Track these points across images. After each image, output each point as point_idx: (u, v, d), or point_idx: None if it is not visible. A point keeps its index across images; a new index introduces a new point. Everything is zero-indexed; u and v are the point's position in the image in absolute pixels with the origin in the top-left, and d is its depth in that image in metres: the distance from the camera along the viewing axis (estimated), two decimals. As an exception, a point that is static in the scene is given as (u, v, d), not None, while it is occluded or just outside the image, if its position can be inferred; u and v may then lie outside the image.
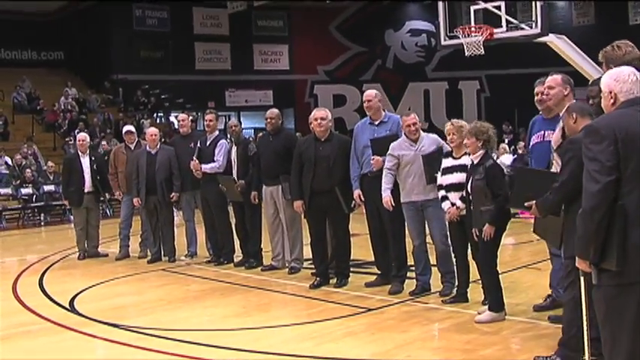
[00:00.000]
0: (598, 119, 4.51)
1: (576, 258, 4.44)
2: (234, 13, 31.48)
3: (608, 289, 4.29)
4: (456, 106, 33.00)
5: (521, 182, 6.65)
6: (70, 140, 24.91)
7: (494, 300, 7.65)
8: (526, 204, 6.19)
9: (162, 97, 30.93)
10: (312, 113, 9.83)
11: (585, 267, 4.35)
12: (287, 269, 10.80)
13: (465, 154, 8.05)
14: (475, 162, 7.73)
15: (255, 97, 33.20)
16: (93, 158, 13.32)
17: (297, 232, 10.74)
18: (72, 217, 15.01)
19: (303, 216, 10.17)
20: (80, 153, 13.29)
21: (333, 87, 33.89)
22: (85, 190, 13.09)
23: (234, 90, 33.21)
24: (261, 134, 12.01)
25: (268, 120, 10.97)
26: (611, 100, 4.48)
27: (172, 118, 29.07)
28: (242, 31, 33.17)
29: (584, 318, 5.62)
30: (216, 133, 12.03)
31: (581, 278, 5.60)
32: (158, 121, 30.37)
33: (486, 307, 7.72)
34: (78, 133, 24.87)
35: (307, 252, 10.47)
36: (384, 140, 9.22)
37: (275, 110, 11.16)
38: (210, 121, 11.98)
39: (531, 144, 7.77)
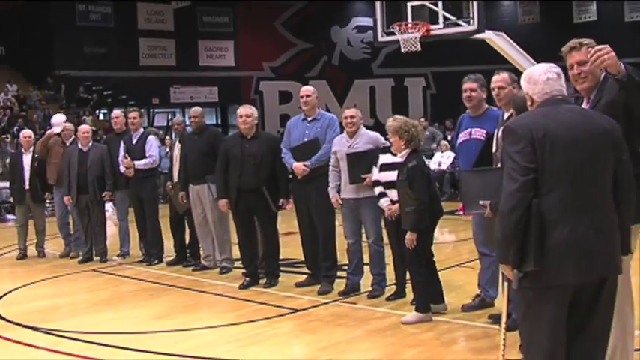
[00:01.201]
0: (516, 119, 4.45)
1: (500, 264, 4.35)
2: (179, 9, 31.26)
3: (527, 292, 4.21)
4: (401, 102, 32.97)
5: (468, 185, 6.59)
6: (7, 138, 24.47)
7: (421, 301, 7.58)
8: (481, 202, 6.12)
9: (105, 93, 30.52)
10: (238, 110, 9.67)
11: (508, 272, 4.25)
12: (218, 269, 10.61)
13: None
14: (402, 161, 7.65)
15: (200, 94, 32.88)
16: (36, 156, 13.01)
17: (224, 231, 10.61)
18: (8, 217, 14.69)
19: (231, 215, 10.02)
20: (23, 150, 13.07)
21: (278, 83, 33.73)
22: (25, 187, 12.82)
23: (179, 86, 32.90)
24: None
25: (192, 119, 10.85)
26: (529, 102, 4.46)
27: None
28: (187, 27, 32.88)
29: (503, 320, 5.56)
30: (141, 130, 11.86)
31: (505, 283, 5.56)
32: (101, 117, 30.02)
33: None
34: (18, 130, 24.47)
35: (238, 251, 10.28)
36: (304, 147, 9.20)
37: (198, 108, 11.00)
38: (135, 118, 11.78)
39: (458, 142, 7.71)
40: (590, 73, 4.88)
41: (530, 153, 4.12)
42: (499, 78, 6.96)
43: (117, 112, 12.89)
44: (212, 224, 10.58)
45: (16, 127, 25.30)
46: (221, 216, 10.37)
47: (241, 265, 10.16)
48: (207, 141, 10.57)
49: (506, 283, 5.58)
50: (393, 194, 7.99)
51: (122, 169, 11.60)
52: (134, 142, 11.65)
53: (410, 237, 7.41)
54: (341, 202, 8.78)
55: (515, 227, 4.10)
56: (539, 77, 4.40)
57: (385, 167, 8.14)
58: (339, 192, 8.80)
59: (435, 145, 22.72)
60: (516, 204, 4.10)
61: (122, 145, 11.65)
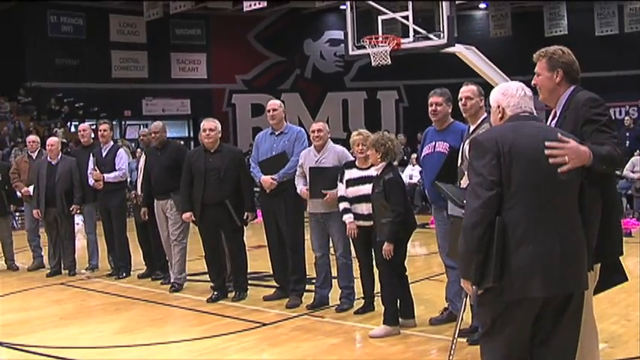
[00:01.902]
0: (483, 132, 4.45)
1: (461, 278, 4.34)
2: (152, 21, 31.05)
3: (490, 307, 4.21)
4: (374, 116, 32.98)
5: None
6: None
7: (389, 313, 7.59)
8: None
9: (77, 105, 30.31)
10: (202, 124, 9.64)
11: (468, 287, 4.24)
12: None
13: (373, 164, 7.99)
14: (377, 174, 7.71)
15: (172, 106, 32.73)
16: None
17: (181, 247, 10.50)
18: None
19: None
20: None
21: (251, 96, 33.46)
22: None
23: (151, 99, 32.66)
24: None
25: (153, 135, 10.71)
26: (499, 115, 4.47)
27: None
28: (159, 39, 32.68)
29: (457, 329, 5.59)
30: (111, 143, 11.80)
31: (465, 299, 5.60)
32: (73, 130, 29.78)
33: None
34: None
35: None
36: (271, 160, 9.21)
37: (159, 123, 10.85)
38: (105, 131, 11.72)
39: (422, 155, 7.77)
40: (541, 86, 4.88)
41: (496, 166, 4.13)
42: (467, 89, 6.98)
43: (84, 126, 12.84)
44: (172, 237, 10.43)
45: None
46: (180, 231, 10.33)
47: (209, 279, 10.10)
48: (169, 156, 10.45)
49: (465, 299, 5.64)
50: (362, 208, 8.05)
51: (91, 181, 11.54)
52: (104, 154, 11.59)
53: (387, 248, 7.45)
54: (307, 190, 8.81)
55: (478, 243, 4.10)
56: (516, 92, 4.45)
57: (352, 182, 8.18)
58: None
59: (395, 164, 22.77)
60: (479, 220, 4.10)
61: (91, 157, 11.59)
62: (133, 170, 12.00)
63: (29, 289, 11.05)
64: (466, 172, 6.49)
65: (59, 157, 12.15)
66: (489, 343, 4.30)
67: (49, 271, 12.18)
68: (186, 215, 9.63)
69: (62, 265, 12.16)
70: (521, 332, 4.21)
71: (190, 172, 9.52)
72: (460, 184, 6.67)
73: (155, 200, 10.59)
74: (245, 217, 9.49)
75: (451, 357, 5.66)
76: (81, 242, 13.32)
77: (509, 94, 4.46)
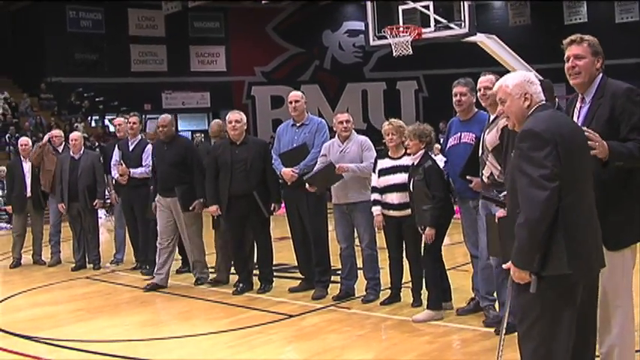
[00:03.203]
0: (535, 123, 4.35)
1: (512, 268, 4.28)
2: (170, 14, 31.13)
3: (546, 293, 4.21)
4: (394, 106, 32.92)
5: None
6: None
7: (434, 298, 7.74)
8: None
9: (97, 100, 30.45)
10: (227, 116, 9.57)
11: (525, 277, 4.22)
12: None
13: (406, 154, 8.06)
14: (415, 163, 7.77)
15: (192, 99, 32.88)
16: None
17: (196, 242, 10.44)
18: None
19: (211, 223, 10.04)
20: (22, 158, 13.01)
21: (270, 88, 33.60)
22: (27, 195, 12.78)
23: (170, 92, 32.81)
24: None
25: (160, 128, 10.30)
26: (527, 102, 4.43)
27: (107, 122, 28.77)
28: (178, 32, 32.83)
29: (503, 331, 5.53)
30: (139, 137, 11.59)
31: (509, 287, 5.55)
32: (93, 124, 29.97)
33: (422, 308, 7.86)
34: (9, 137, 24.46)
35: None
36: (292, 153, 9.21)
37: (167, 116, 10.44)
38: (134, 123, 11.47)
39: (448, 146, 7.76)
40: (584, 70, 4.86)
41: (556, 157, 4.15)
42: (486, 79, 6.99)
43: (119, 120, 12.44)
44: (187, 235, 10.31)
45: (7, 135, 25.32)
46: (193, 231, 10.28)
47: (234, 271, 10.10)
48: (176, 151, 10.15)
49: (510, 287, 5.58)
50: (393, 197, 8.12)
51: (115, 174, 11.52)
52: (131, 148, 11.42)
53: (429, 232, 7.58)
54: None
55: (542, 236, 4.12)
56: (535, 80, 4.49)
57: (384, 171, 8.21)
58: None
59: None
60: (546, 212, 4.10)
61: (116, 149, 11.54)
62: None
63: (54, 284, 11.11)
64: (487, 163, 6.54)
65: (82, 151, 12.17)
66: (547, 331, 4.27)
67: (73, 265, 12.22)
68: (213, 209, 9.60)
69: (87, 259, 12.19)
70: (575, 314, 4.25)
71: (216, 166, 9.49)
72: (482, 174, 6.68)
73: (158, 195, 10.30)
74: (272, 209, 9.50)
75: (500, 352, 5.56)
76: (104, 236, 13.34)
77: (533, 81, 4.48)
